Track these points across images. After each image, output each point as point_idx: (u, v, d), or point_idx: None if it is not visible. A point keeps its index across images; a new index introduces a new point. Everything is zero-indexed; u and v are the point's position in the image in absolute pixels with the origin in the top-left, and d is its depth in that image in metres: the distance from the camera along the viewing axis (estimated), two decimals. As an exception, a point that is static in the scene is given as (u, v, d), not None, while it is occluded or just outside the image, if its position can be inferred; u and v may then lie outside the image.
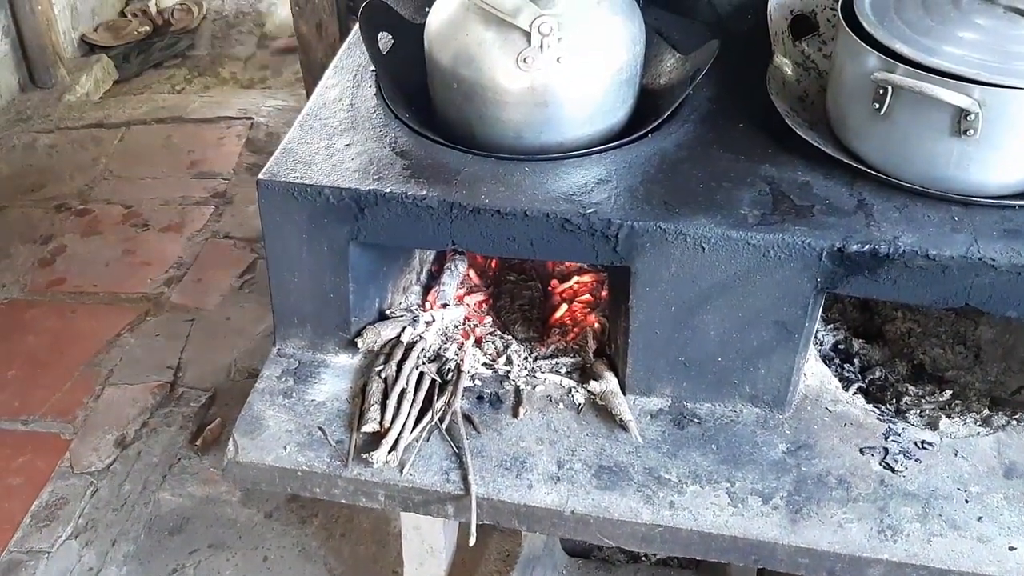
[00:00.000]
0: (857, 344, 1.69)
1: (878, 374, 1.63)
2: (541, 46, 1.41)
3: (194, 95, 4.18)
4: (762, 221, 1.35)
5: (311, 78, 3.12)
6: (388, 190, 1.40)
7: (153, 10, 4.65)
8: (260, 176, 1.45)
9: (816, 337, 1.64)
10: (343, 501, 1.42)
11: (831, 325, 1.73)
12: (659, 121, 1.52)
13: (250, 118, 3.73)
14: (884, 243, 1.31)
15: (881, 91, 1.37)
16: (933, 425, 1.48)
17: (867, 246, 1.31)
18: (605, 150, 1.48)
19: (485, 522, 1.39)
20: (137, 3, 4.69)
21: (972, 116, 1.31)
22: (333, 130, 1.53)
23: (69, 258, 3.11)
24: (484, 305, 1.72)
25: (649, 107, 1.59)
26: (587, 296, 1.73)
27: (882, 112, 1.38)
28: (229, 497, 2.37)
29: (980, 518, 1.35)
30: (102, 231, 3.22)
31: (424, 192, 1.40)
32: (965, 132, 1.32)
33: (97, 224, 3.25)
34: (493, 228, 1.39)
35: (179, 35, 4.61)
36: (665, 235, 1.35)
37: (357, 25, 1.70)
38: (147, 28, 4.54)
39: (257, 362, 2.69)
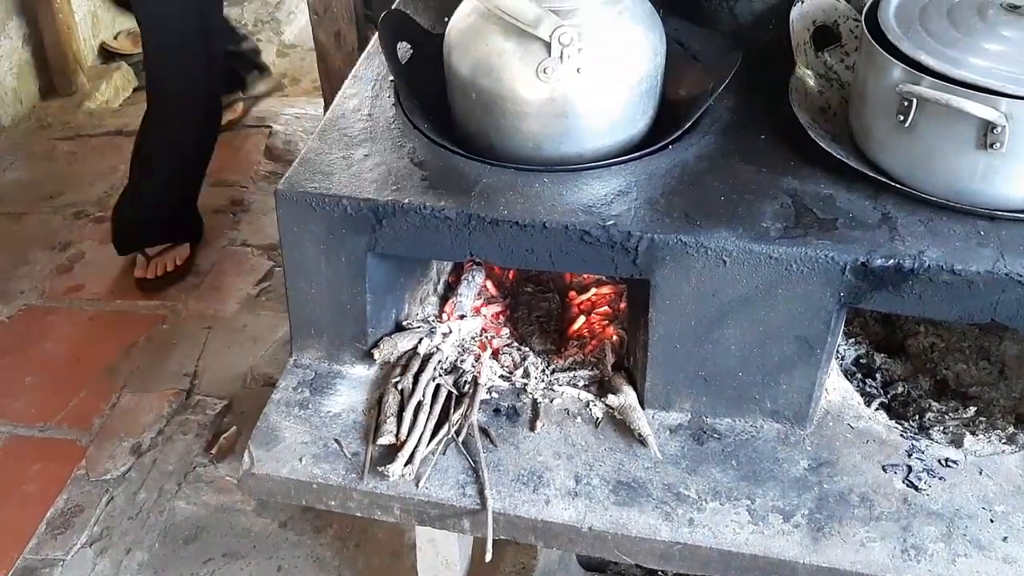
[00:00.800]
0: (879, 359, 1.66)
1: (900, 389, 1.60)
2: (561, 57, 1.40)
3: (212, 103, 4.18)
4: (784, 234, 1.33)
5: (329, 86, 3.12)
6: (406, 201, 1.39)
7: (173, 18, 4.66)
8: (279, 186, 1.44)
9: (837, 351, 1.62)
10: (358, 514, 1.41)
11: (852, 339, 1.70)
12: (680, 132, 1.51)
13: (268, 126, 3.74)
14: (909, 257, 1.29)
15: (906, 103, 1.35)
16: (957, 442, 1.46)
17: (891, 260, 1.29)
18: (625, 161, 1.47)
19: (501, 537, 1.37)
20: (157, 11, 4.71)
21: (999, 129, 1.29)
22: (352, 140, 1.53)
23: (87, 265, 3.12)
24: (501, 316, 1.71)
25: (669, 118, 1.58)
26: (605, 308, 1.71)
27: (907, 124, 1.36)
28: (244, 506, 2.36)
29: (1006, 538, 1.32)
30: (120, 238, 3.22)
31: (442, 203, 1.39)
32: (991, 145, 1.30)
33: (115, 231, 3.25)
34: (512, 240, 1.38)
35: (198, 43, 4.62)
36: (686, 248, 1.33)
37: (376, 35, 1.70)
38: (167, 36, 4.56)
39: (273, 370, 2.69)
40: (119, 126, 3.81)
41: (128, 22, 4.58)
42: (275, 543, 2.27)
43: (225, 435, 2.52)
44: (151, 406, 2.61)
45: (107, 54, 4.40)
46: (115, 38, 4.46)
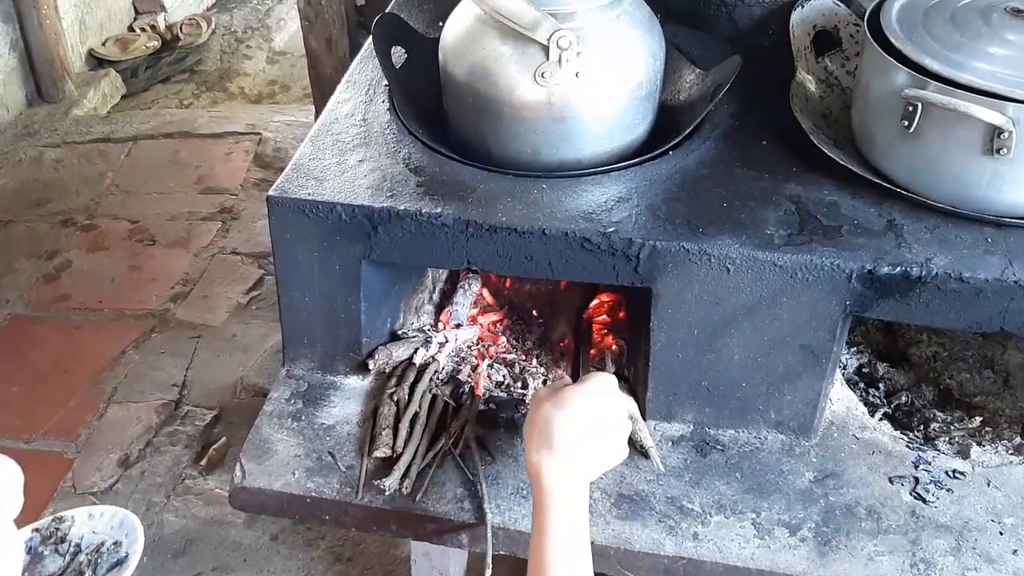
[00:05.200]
0: (882, 368, 1.64)
1: (904, 399, 1.57)
2: (559, 60, 1.37)
3: (202, 110, 4.16)
4: (789, 242, 1.30)
5: (320, 93, 3.09)
6: (402, 207, 1.36)
7: (162, 25, 4.64)
8: (270, 192, 1.41)
9: (839, 360, 1.59)
10: (353, 529, 1.37)
11: (854, 348, 1.68)
12: (680, 138, 1.48)
13: (258, 133, 3.70)
14: (916, 265, 1.26)
15: (910, 108, 1.33)
16: (964, 453, 1.43)
17: (898, 268, 1.26)
18: (625, 167, 1.44)
19: (501, 552, 1.34)
20: (146, 18, 4.68)
21: (1005, 134, 1.26)
22: (345, 146, 1.49)
23: (74, 273, 3.08)
24: (498, 325, 1.67)
25: (669, 124, 1.55)
26: (604, 317, 1.68)
27: (911, 130, 1.34)
28: (234, 519, 2.32)
29: (1015, 551, 1.29)
30: (108, 246, 3.19)
31: (439, 209, 1.36)
32: (998, 151, 1.28)
33: (103, 239, 3.22)
34: (510, 247, 1.35)
35: (187, 50, 4.60)
36: (688, 255, 1.30)
37: (370, 39, 1.67)
38: (155, 43, 4.53)
39: (264, 380, 2.65)
40: (107, 133, 3.77)
41: (117, 28, 4.56)
42: (266, 556, 2.23)
43: (215, 446, 2.48)
44: (139, 417, 2.57)
45: (95, 61, 4.36)
46: (103, 44, 4.43)
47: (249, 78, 4.54)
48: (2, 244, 3.20)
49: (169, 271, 3.08)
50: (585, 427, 1.18)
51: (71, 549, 1.26)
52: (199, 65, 4.59)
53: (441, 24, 1.52)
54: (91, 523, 1.25)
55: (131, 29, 4.62)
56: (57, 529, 1.27)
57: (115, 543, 1.23)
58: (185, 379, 2.69)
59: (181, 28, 4.65)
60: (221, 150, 3.64)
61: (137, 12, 4.74)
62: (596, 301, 1.71)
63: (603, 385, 1.24)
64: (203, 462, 2.45)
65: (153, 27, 4.59)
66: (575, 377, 1.52)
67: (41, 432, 2.52)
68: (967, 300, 1.26)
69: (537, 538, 1.12)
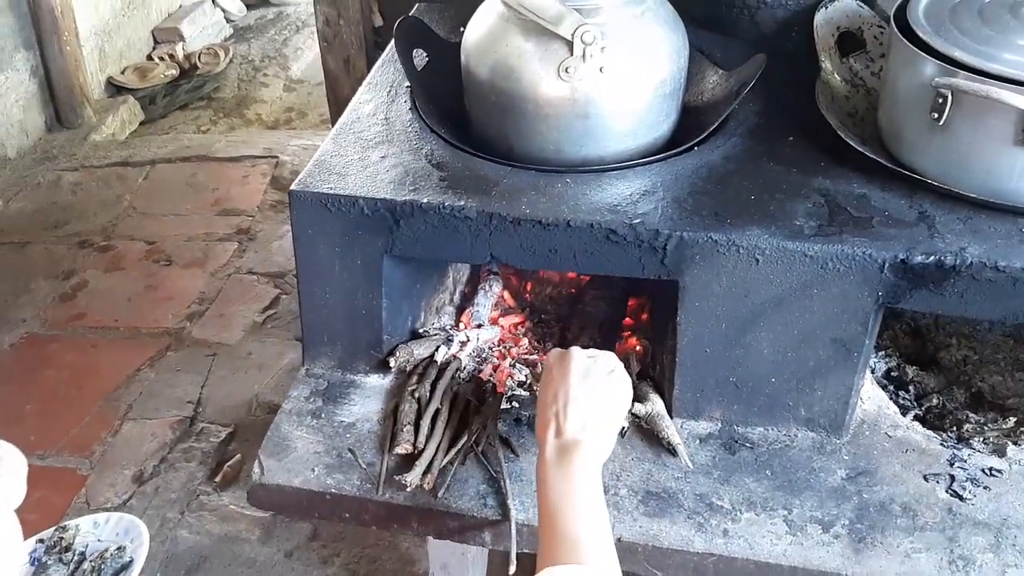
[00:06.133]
0: (911, 371, 1.60)
1: (935, 401, 1.54)
2: (584, 56, 1.36)
3: (219, 135, 4.17)
4: (819, 232, 1.28)
5: (338, 113, 3.10)
6: (425, 200, 1.35)
7: (180, 54, 4.68)
8: (292, 187, 1.40)
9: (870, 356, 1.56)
10: (373, 528, 1.34)
11: (882, 352, 1.64)
12: (706, 134, 1.46)
13: (275, 157, 3.71)
14: (950, 254, 1.24)
15: (940, 100, 1.31)
16: (1000, 452, 1.39)
17: (932, 257, 1.24)
18: (650, 162, 1.43)
19: (525, 551, 1.30)
20: (164, 47, 4.73)
21: (1038, 123, 1.24)
22: (367, 143, 1.49)
23: (90, 293, 3.07)
24: (520, 327, 1.65)
25: (693, 124, 1.54)
26: (627, 319, 1.66)
27: (941, 122, 1.32)
28: (249, 535, 2.28)
29: (1057, 550, 1.25)
30: (125, 267, 3.18)
31: (462, 202, 1.34)
32: (1031, 141, 1.26)
33: (120, 260, 3.21)
34: (534, 239, 1.33)
35: (205, 78, 4.63)
36: (716, 246, 1.28)
37: (392, 42, 1.67)
38: (174, 72, 4.57)
39: (279, 397, 2.61)
40: (125, 157, 3.79)
41: (136, 57, 4.61)
42: (280, 573, 2.19)
43: (229, 463, 2.45)
44: (154, 434, 2.54)
45: (114, 88, 4.40)
46: (122, 73, 4.47)
47: (266, 105, 4.56)
48: (19, 265, 3.20)
49: (185, 291, 3.06)
50: (599, 373, 1.22)
51: (75, 558, 1.24)
52: (217, 92, 4.63)
53: (462, 30, 1.52)
54: (96, 531, 1.24)
55: (150, 58, 4.67)
56: (61, 538, 1.26)
57: (119, 548, 1.22)
58: (200, 396, 2.66)
59: (199, 57, 4.70)
60: (238, 173, 3.65)
61: (156, 41, 4.80)
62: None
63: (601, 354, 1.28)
64: (218, 479, 2.41)
65: (172, 56, 4.64)
66: None
67: (55, 448, 2.50)
68: (1003, 289, 1.24)
69: (561, 495, 1.09)
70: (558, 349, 1.28)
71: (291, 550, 2.25)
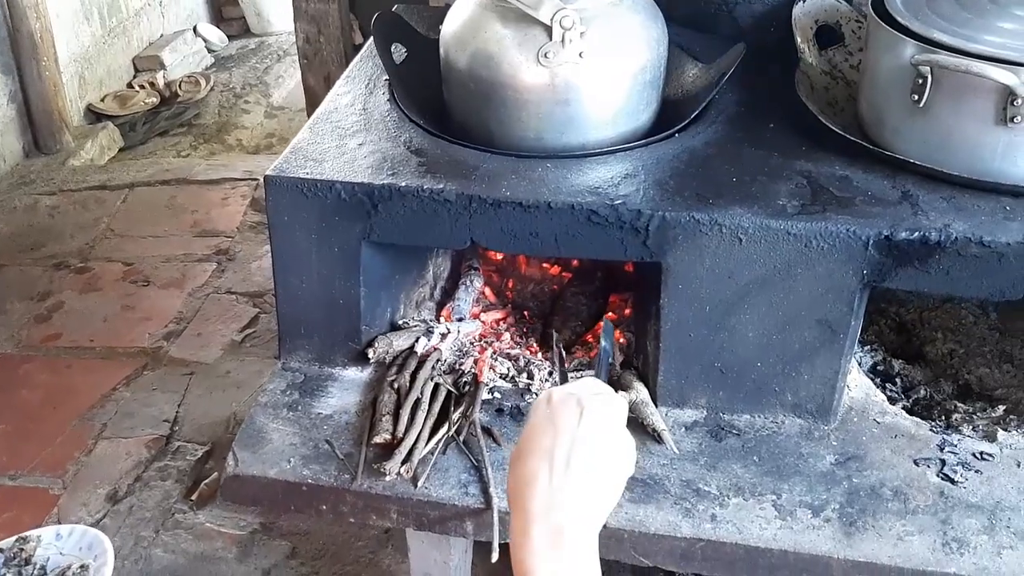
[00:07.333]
0: (897, 365, 1.59)
1: (923, 393, 1.52)
2: (563, 41, 1.35)
3: (199, 159, 4.15)
4: (802, 211, 1.27)
5: (318, 131, 3.09)
6: (403, 184, 1.33)
7: (161, 82, 4.66)
8: (268, 172, 1.38)
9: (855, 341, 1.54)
10: (351, 520, 1.30)
11: (868, 347, 1.63)
12: (686, 122, 1.46)
13: (256, 179, 3.68)
14: (934, 231, 1.22)
15: (920, 81, 1.31)
16: (990, 437, 1.37)
17: (917, 234, 1.22)
18: (631, 148, 1.42)
19: (508, 540, 1.26)
20: (145, 75, 4.71)
21: (1019, 101, 1.24)
22: (345, 132, 1.47)
23: (66, 314, 3.01)
24: (501, 324, 1.62)
25: (673, 116, 1.53)
26: (610, 314, 1.63)
27: (921, 104, 1.31)
28: (225, 554, 2.22)
29: (1051, 531, 1.23)
30: (101, 287, 3.13)
31: (441, 186, 1.32)
32: (1011, 119, 1.25)
33: (96, 281, 3.17)
34: (515, 222, 1.31)
35: (186, 105, 4.62)
36: (699, 226, 1.26)
37: (371, 38, 1.66)
38: (154, 99, 4.55)
39: (258, 414, 2.58)
40: (103, 180, 3.75)
41: (116, 85, 4.59)
42: (258, 590, 2.12)
43: (206, 481, 2.39)
44: (129, 452, 2.47)
45: (94, 116, 4.38)
46: (102, 100, 4.45)
47: (247, 131, 4.55)
48: (-7, 287, 3.15)
49: (163, 311, 3.01)
50: (608, 438, 0.94)
51: (35, 572, 1.19)
52: (197, 119, 4.61)
53: (440, 28, 1.51)
54: (58, 543, 1.19)
55: (130, 86, 4.65)
56: (21, 549, 1.21)
57: (82, 566, 1.17)
58: (177, 415, 2.61)
59: (180, 85, 4.69)
60: (218, 196, 3.61)
61: (137, 70, 4.78)
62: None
63: (597, 385, 0.99)
64: (194, 497, 2.35)
65: (152, 84, 4.62)
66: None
67: (28, 468, 2.43)
68: (989, 266, 1.22)
69: None
70: (557, 388, 0.99)
71: (268, 568, 2.18)
